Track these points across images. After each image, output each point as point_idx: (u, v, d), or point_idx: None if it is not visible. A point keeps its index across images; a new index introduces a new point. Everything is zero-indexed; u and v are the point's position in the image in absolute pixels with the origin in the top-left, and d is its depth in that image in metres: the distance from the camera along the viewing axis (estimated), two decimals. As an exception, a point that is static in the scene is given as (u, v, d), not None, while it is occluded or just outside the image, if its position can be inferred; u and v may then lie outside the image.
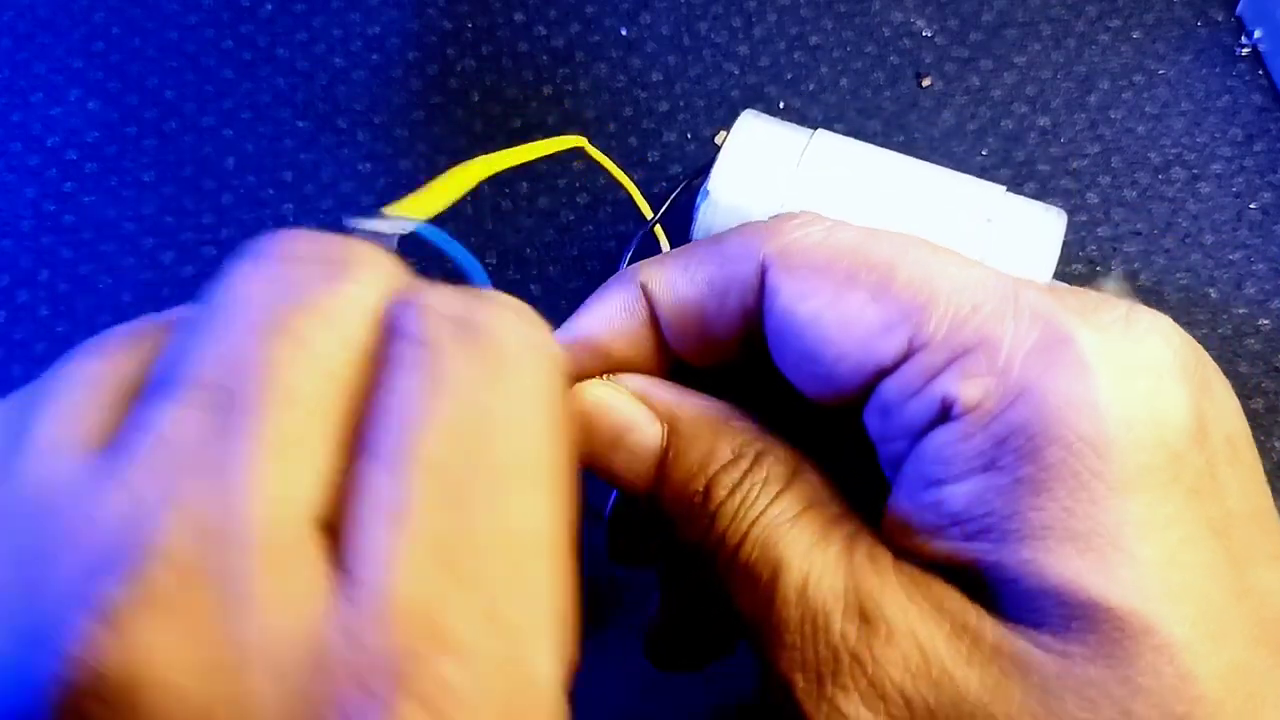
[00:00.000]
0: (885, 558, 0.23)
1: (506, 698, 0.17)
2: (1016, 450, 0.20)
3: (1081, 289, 0.22)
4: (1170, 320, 0.22)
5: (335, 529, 0.17)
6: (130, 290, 0.48)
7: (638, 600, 0.40)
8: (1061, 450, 0.20)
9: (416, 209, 0.26)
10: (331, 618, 0.16)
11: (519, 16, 0.55)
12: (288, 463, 0.17)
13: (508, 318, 0.20)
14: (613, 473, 0.27)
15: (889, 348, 0.22)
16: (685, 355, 0.27)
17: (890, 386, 0.22)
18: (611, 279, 0.27)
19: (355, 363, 0.18)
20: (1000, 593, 0.21)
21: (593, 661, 0.40)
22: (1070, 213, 0.47)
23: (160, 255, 0.49)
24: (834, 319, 0.23)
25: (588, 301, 0.27)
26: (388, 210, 0.26)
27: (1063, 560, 0.20)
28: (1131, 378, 0.20)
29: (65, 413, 0.18)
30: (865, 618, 0.22)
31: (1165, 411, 0.20)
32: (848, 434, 0.25)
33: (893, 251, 0.23)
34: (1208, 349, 0.48)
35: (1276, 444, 0.45)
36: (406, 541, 0.17)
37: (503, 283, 0.48)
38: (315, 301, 0.18)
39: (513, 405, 0.19)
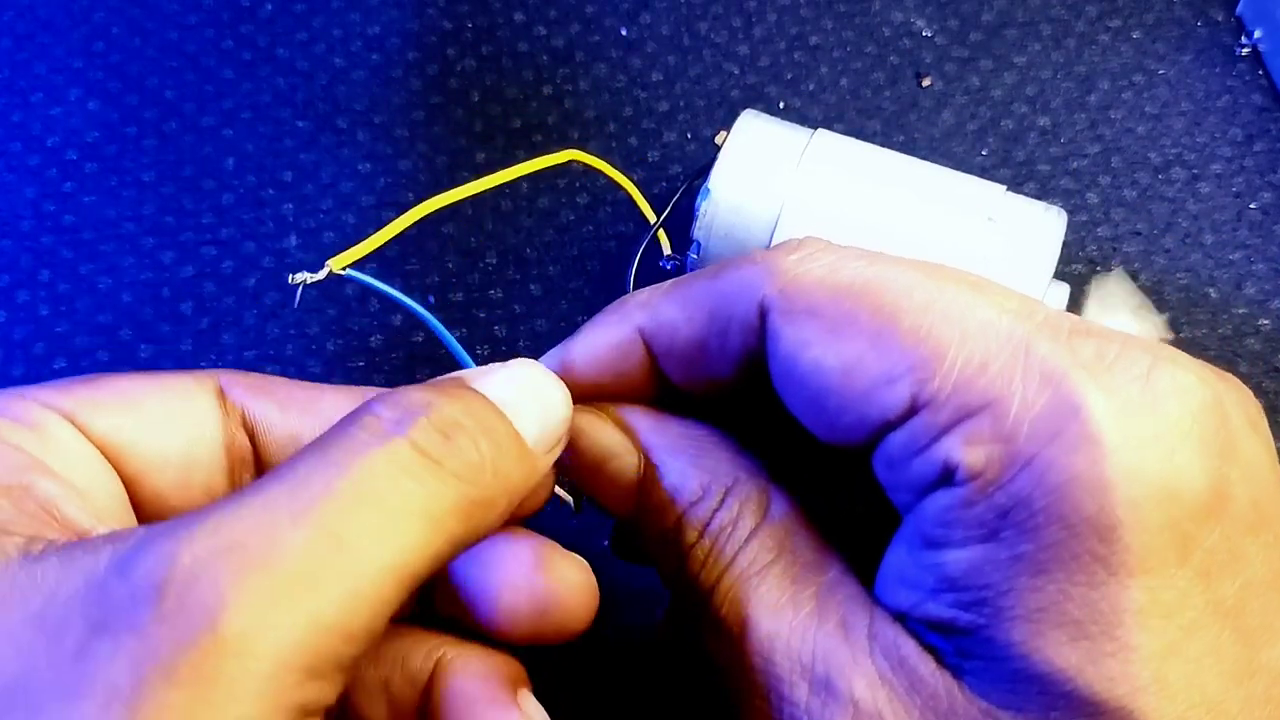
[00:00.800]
0: (861, 619, 0.22)
1: None
2: (1018, 525, 0.19)
3: (1104, 331, 0.21)
4: (1199, 373, 0.20)
5: None
6: (130, 290, 0.48)
7: (641, 602, 0.40)
8: (1063, 531, 0.19)
9: (360, 254, 0.26)
10: None
11: (519, 16, 0.55)
12: None
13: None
14: (599, 498, 0.26)
15: (892, 402, 0.21)
16: (685, 388, 0.26)
17: (895, 441, 0.21)
18: (607, 309, 0.26)
19: None
20: (986, 668, 0.20)
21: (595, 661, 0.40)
22: (1070, 213, 0.47)
23: (160, 255, 0.49)
24: (836, 368, 0.22)
25: (582, 329, 0.27)
26: (331, 261, 0.26)
27: (1052, 646, 0.19)
28: (1143, 450, 0.19)
29: None
30: (831, 692, 0.21)
31: (1177, 487, 0.19)
32: (859, 467, 0.24)
33: (897, 292, 0.21)
34: (1207, 349, 0.47)
35: (1277, 445, 0.45)
36: None
37: (503, 282, 0.48)
38: None
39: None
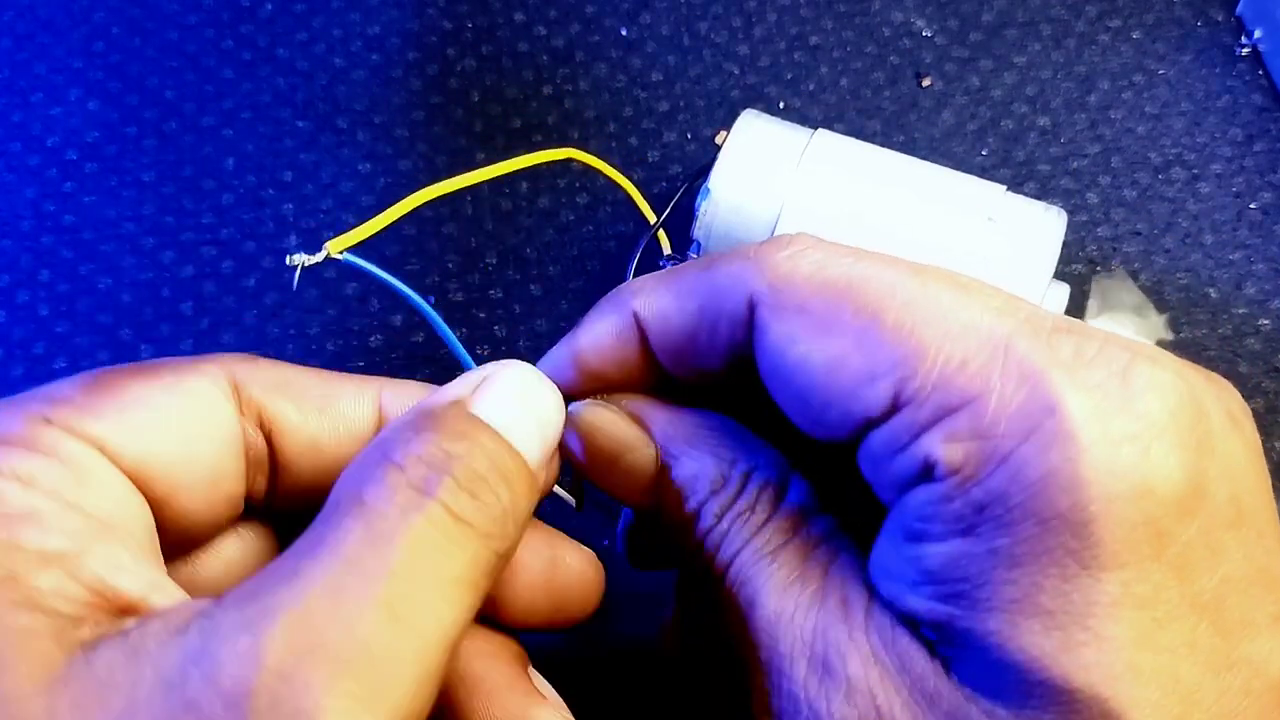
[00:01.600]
0: (859, 600, 0.22)
1: None
2: (994, 520, 0.20)
3: (1085, 330, 0.21)
4: (1176, 370, 0.21)
5: None
6: (130, 290, 0.48)
7: (643, 605, 0.40)
8: (1036, 526, 0.19)
9: (357, 239, 0.26)
10: None
11: (519, 16, 0.55)
12: None
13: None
14: (613, 491, 0.27)
15: (875, 400, 0.21)
16: (679, 377, 0.26)
17: (877, 438, 0.22)
18: (605, 299, 0.27)
19: None
20: (967, 657, 0.20)
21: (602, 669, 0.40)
22: (1070, 213, 0.47)
23: (160, 255, 0.49)
24: (820, 365, 0.22)
25: (582, 320, 0.27)
26: (329, 244, 0.26)
27: (1026, 636, 0.19)
28: (1118, 446, 0.19)
29: None
30: (827, 669, 0.21)
31: (1152, 483, 0.19)
32: (849, 459, 0.24)
33: (883, 290, 0.22)
34: (1207, 349, 0.47)
35: (1277, 444, 0.45)
36: None
37: (503, 282, 0.48)
38: None
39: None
